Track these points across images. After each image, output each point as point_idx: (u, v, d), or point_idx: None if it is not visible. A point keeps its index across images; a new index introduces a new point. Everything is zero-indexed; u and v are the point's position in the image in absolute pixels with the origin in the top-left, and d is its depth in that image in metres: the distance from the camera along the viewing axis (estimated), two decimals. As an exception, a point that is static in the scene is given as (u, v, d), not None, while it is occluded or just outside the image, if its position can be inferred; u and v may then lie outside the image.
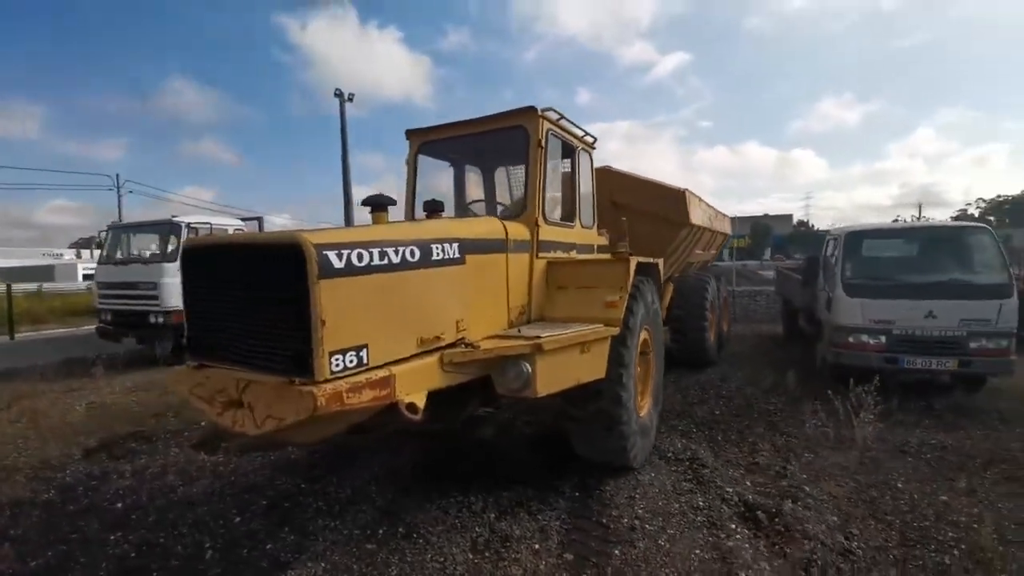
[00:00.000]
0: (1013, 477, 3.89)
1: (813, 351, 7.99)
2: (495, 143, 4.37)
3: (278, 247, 2.29)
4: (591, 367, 3.47)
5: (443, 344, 2.88)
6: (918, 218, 31.08)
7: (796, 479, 4.01)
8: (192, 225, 8.94)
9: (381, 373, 2.42)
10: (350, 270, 2.32)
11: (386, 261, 2.51)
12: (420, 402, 2.61)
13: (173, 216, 9.11)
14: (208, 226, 9.03)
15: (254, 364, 2.38)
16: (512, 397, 3.22)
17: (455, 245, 3.01)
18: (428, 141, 4.47)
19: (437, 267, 2.85)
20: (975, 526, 3.22)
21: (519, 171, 5.32)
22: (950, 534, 3.18)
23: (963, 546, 3.04)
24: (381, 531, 3.38)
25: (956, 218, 48.72)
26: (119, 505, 3.84)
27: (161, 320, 8.60)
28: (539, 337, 3.10)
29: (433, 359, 2.78)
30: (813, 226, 71.97)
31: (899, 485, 3.89)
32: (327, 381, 2.20)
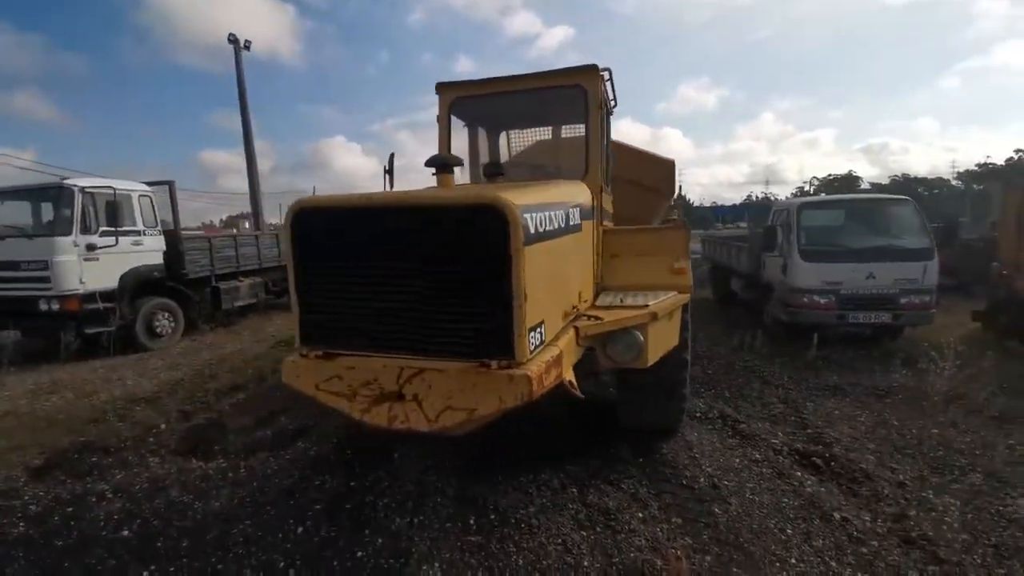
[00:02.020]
0: (974, 410, 4.69)
1: (750, 311, 8.91)
2: (543, 102, 4.10)
3: (471, 208, 1.91)
4: (674, 334, 3.49)
5: (574, 316, 2.68)
6: (766, 194, 35.23)
7: (816, 426, 4.46)
8: (87, 189, 7.29)
9: (555, 351, 2.18)
10: (538, 236, 2.03)
11: (554, 226, 2.24)
12: (574, 379, 2.42)
13: (63, 179, 7.34)
14: (111, 191, 7.43)
15: (421, 348, 2.00)
16: (616, 368, 3.14)
17: (577, 210, 2.79)
18: (461, 97, 4.06)
19: (571, 234, 2.63)
20: (978, 452, 3.84)
21: (536, 132, 5.09)
22: (963, 460, 3.76)
23: (979, 470, 3.61)
24: (473, 521, 3.14)
25: (795, 194, 56.62)
26: (126, 533, 3.12)
27: (56, 307, 7.00)
28: (647, 306, 3.02)
29: (571, 333, 2.58)
30: (691, 201, 78.97)
31: (894, 422, 4.51)
32: (528, 363, 1.93)
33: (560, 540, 2.93)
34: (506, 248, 1.84)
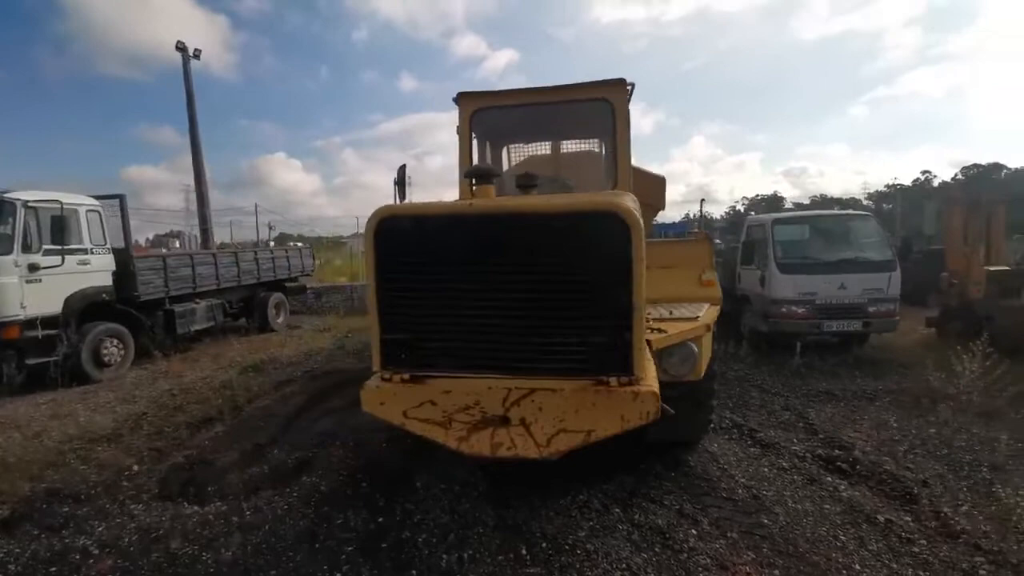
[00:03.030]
0: (959, 409, 5.00)
1: (726, 323, 9.22)
2: (567, 115, 4.06)
3: (587, 215, 1.78)
4: (711, 345, 3.49)
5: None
6: (700, 213, 37.26)
7: (825, 431, 4.60)
8: (31, 204, 6.51)
9: (651, 366, 2.09)
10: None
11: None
12: (657, 395, 2.33)
13: (3, 191, 6.50)
14: (58, 205, 6.67)
15: (527, 368, 1.84)
16: (668, 381, 3.07)
17: (638, 221, 2.73)
18: (482, 108, 3.96)
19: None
20: (977, 448, 4.08)
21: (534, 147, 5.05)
22: (968, 457, 3.98)
23: (985, 464, 3.83)
24: (525, 551, 2.95)
25: (727, 214, 60.45)
26: (128, 595, 2.68)
27: (-8, 335, 6.14)
28: (697, 318, 3.00)
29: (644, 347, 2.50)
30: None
31: (893, 424, 4.73)
32: (645, 379, 1.82)
33: (624, 565, 2.80)
34: (627, 256, 1.73)
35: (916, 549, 2.88)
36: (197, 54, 14.71)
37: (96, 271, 7.27)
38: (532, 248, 1.79)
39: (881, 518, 3.18)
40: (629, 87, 3.82)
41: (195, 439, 5.06)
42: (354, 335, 10.79)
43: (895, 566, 2.75)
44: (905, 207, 36.39)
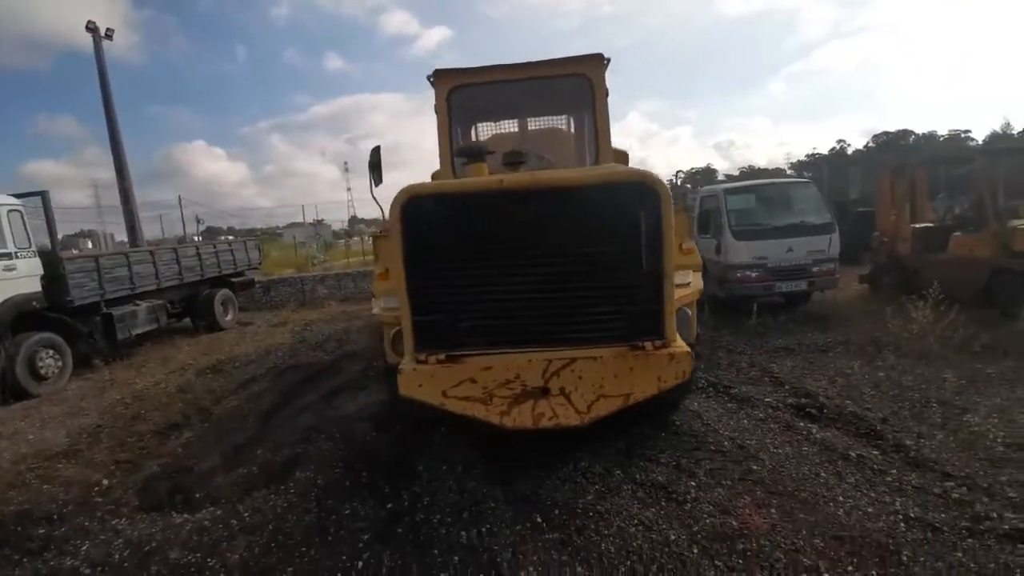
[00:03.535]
0: (903, 354, 5.52)
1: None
2: (545, 92, 4.05)
3: (620, 186, 1.82)
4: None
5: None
6: None
7: (790, 382, 4.97)
8: (-66, 204, 5.77)
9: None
10: (671, 213, 2.01)
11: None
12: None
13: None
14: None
15: (565, 338, 1.88)
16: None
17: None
18: (459, 85, 3.88)
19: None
20: (924, 387, 4.55)
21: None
22: (917, 395, 4.42)
23: (935, 400, 4.27)
24: (540, 519, 3.03)
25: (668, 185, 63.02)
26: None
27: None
28: (689, 283, 3.15)
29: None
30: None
31: (847, 371, 5.18)
32: (675, 341, 1.91)
33: (636, 520, 2.94)
34: (659, 224, 1.80)
35: (889, 479, 3.22)
36: (110, 34, 13.33)
37: (23, 277, 6.60)
38: (566, 220, 1.82)
39: (853, 454, 3.51)
40: (606, 61, 3.87)
41: (165, 447, 4.79)
42: (313, 327, 10.44)
43: (873, 495, 3.06)
44: (828, 174, 39.20)
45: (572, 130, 4.34)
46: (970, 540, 2.57)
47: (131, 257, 8.81)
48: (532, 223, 1.85)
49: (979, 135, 52.23)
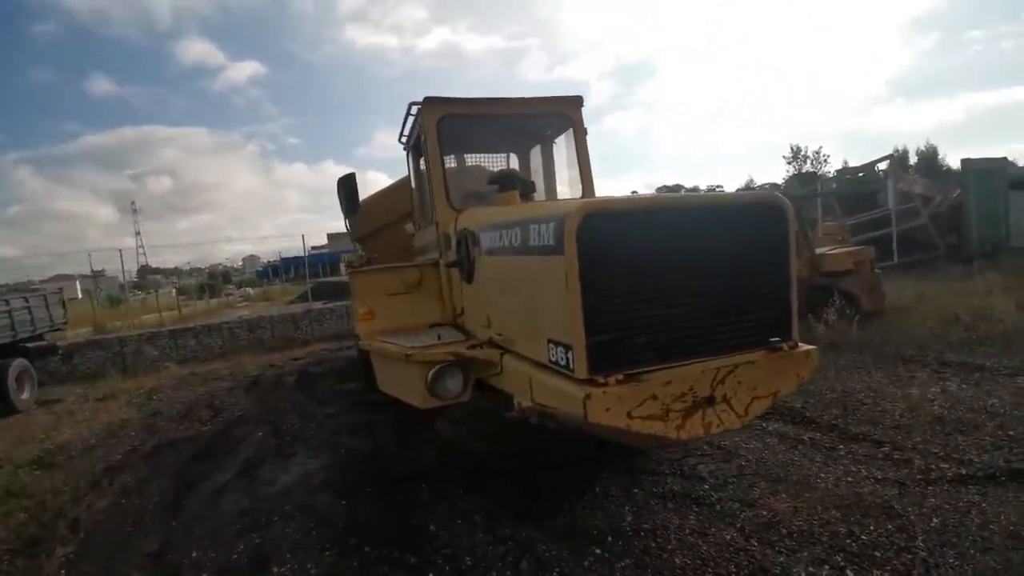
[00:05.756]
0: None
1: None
2: (525, 128, 4.18)
3: (762, 205, 2.02)
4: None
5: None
6: None
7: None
8: None
9: None
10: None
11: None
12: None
13: None
14: None
15: (726, 346, 1.98)
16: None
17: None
18: (448, 115, 3.81)
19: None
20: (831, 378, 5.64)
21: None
22: (824, 386, 5.46)
23: (840, 389, 5.32)
24: (599, 550, 2.99)
25: None
26: None
27: None
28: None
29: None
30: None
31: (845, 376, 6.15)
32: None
33: (686, 529, 3.09)
34: (787, 238, 2.06)
35: (841, 452, 3.93)
36: None
37: None
38: (724, 237, 1.97)
39: (806, 438, 4.21)
40: (583, 104, 4.19)
41: (42, 573, 3.43)
42: (162, 396, 8.45)
43: (841, 465, 3.71)
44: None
45: (541, 164, 4.52)
46: (931, 487, 3.30)
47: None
48: (698, 240, 1.96)
49: (731, 188, 67.43)
